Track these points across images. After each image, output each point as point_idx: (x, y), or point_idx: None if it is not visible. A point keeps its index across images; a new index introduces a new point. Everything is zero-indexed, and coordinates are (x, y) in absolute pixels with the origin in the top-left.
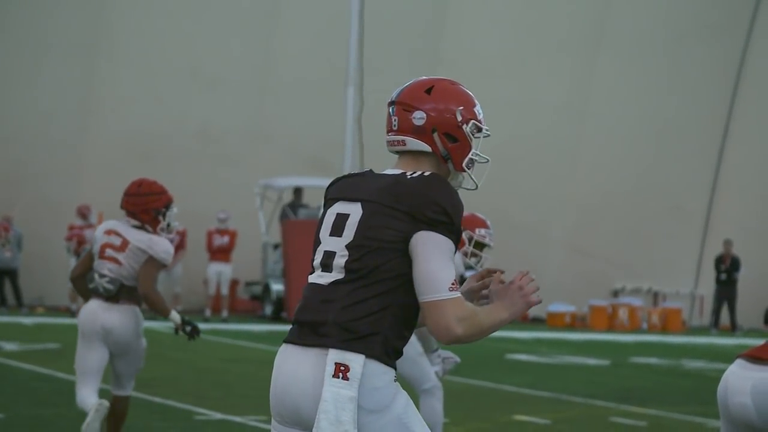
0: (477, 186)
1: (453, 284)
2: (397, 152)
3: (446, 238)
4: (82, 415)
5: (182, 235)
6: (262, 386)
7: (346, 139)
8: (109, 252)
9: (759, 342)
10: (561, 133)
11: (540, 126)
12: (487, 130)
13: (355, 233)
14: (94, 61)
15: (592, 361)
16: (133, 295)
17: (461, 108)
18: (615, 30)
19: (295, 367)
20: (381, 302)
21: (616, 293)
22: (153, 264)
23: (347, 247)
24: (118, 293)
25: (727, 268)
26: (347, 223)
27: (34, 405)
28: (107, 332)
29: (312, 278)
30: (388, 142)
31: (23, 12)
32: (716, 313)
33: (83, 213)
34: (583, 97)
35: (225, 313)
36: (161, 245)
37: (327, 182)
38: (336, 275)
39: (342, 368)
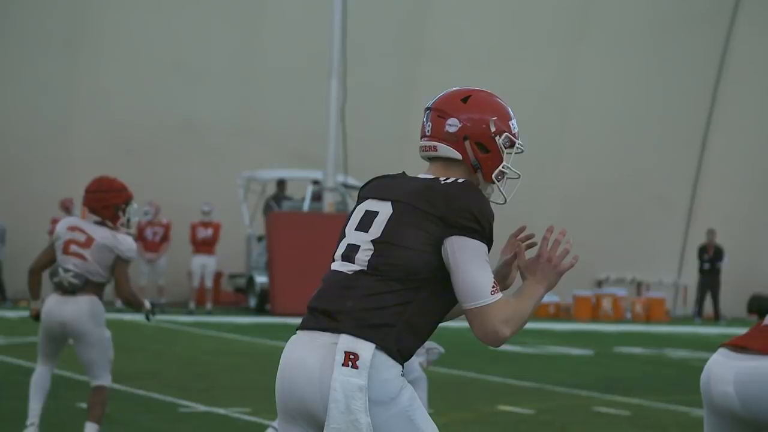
0: (506, 200)
1: (494, 287)
2: (428, 158)
3: (479, 242)
4: (68, 408)
5: (166, 227)
6: (246, 378)
7: (330, 130)
8: (73, 248)
9: (742, 331)
10: (545, 124)
11: (524, 116)
12: (521, 144)
13: (383, 230)
14: (78, 54)
15: (576, 351)
16: (97, 288)
17: (495, 118)
18: (598, 20)
19: (303, 356)
20: (400, 299)
21: (599, 283)
22: (122, 265)
23: (373, 242)
24: (83, 287)
25: (711, 258)
26: (375, 220)
27: (18, 399)
28: (63, 325)
29: (334, 266)
30: (421, 147)
31: (7, 6)
32: (700, 302)
33: (66, 206)
34: (566, 87)
35: (209, 306)
36: (125, 243)
37: (310, 174)
38: (358, 267)
39: (351, 357)
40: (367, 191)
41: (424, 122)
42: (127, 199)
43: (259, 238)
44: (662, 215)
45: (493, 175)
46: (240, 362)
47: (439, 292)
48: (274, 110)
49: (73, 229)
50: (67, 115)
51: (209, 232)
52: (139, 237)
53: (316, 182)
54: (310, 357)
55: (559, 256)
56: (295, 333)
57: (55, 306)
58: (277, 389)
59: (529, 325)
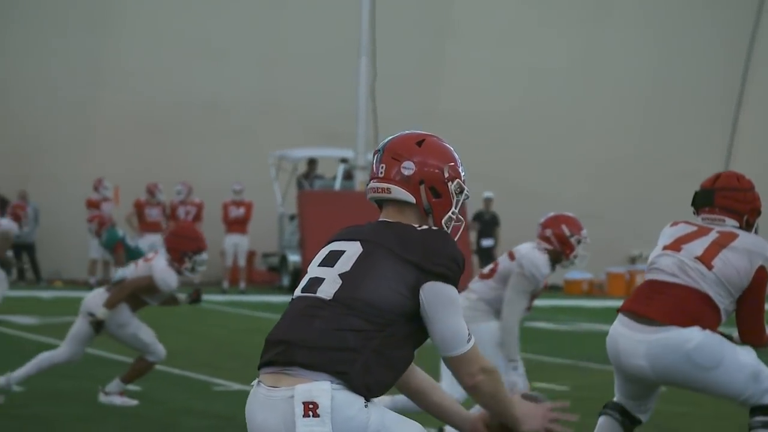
0: None
1: (469, 333)
2: (378, 200)
3: (453, 288)
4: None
5: (199, 207)
6: None
7: (359, 109)
8: (140, 262)
9: None
10: (571, 100)
11: (550, 93)
12: (468, 192)
13: (353, 266)
14: (104, 34)
15: (609, 328)
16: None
17: (450, 164)
18: None
19: (264, 419)
20: (365, 332)
21: (633, 260)
22: (146, 280)
23: (341, 276)
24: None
25: None
26: (342, 257)
27: (53, 378)
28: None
29: (295, 299)
30: (372, 189)
31: None
32: None
33: (95, 186)
34: (593, 63)
35: (242, 285)
36: (162, 276)
37: (340, 153)
38: (322, 298)
39: (311, 406)
40: (334, 236)
41: (374, 164)
42: (197, 250)
43: (291, 217)
44: (693, 191)
45: (443, 221)
46: None
47: (406, 331)
48: (302, 89)
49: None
50: (93, 96)
51: (241, 211)
52: (172, 216)
53: (345, 161)
54: (271, 418)
55: (554, 416)
56: (258, 373)
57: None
58: None
59: (563, 302)
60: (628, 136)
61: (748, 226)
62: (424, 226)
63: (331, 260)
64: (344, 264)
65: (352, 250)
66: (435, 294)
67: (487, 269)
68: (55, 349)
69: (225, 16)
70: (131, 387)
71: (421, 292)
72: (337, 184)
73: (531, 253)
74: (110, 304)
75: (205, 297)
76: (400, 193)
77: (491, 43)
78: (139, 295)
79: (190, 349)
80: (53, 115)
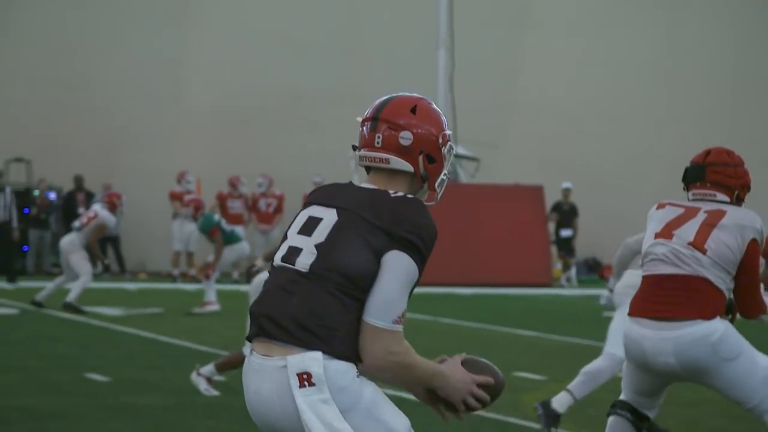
0: (436, 202)
1: (399, 318)
2: (370, 168)
3: (414, 265)
4: (186, 378)
5: (279, 199)
6: None
7: (438, 100)
8: None
9: None
10: (651, 89)
11: (629, 82)
12: (455, 149)
13: (327, 236)
14: (186, 28)
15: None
16: None
17: (442, 130)
18: None
19: (258, 388)
20: (342, 304)
21: None
22: None
23: (316, 246)
24: None
25: None
26: (319, 225)
27: (138, 369)
28: None
29: (275, 269)
30: (367, 158)
31: None
32: None
33: (179, 180)
34: (672, 51)
35: None
36: None
37: None
38: (300, 271)
39: (305, 376)
40: (312, 198)
41: (366, 132)
42: None
43: None
44: None
45: (437, 184)
46: None
47: None
48: (381, 81)
49: None
50: (175, 90)
51: None
52: (253, 209)
53: None
54: (264, 386)
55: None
56: (250, 344)
57: None
58: (250, 413)
59: None
60: (709, 127)
61: (738, 201)
62: (399, 193)
63: (308, 228)
64: (320, 234)
65: (329, 219)
66: (394, 261)
67: None
68: None
69: (306, 7)
70: (216, 377)
71: (383, 257)
72: None
73: None
74: None
75: None
76: (399, 163)
77: (570, 32)
78: None
79: None
80: (137, 109)
